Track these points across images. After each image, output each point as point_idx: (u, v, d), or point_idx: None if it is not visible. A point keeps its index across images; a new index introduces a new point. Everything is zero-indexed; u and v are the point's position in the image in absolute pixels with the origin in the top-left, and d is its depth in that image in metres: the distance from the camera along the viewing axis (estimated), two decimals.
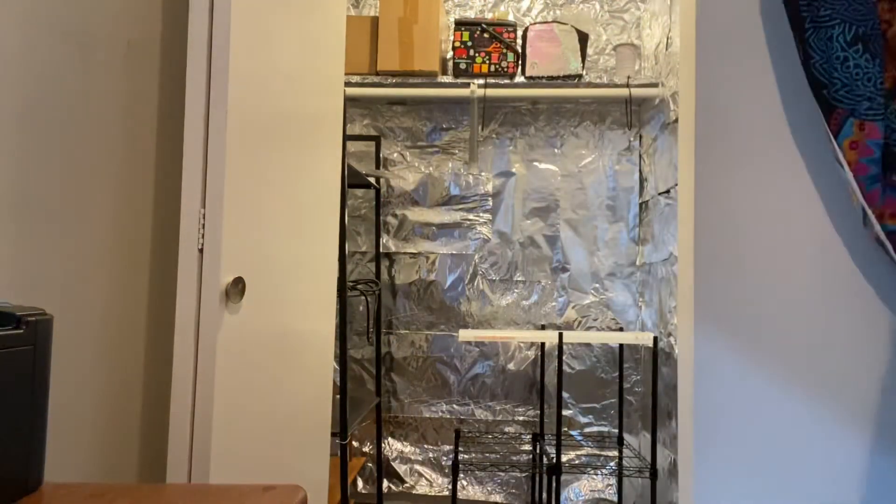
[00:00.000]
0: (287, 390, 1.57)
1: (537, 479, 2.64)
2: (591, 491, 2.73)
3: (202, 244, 1.24)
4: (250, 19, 1.33)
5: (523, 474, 2.75)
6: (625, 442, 2.64)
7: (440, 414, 2.80)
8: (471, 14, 2.89)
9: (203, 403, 1.21)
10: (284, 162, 1.52)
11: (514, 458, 2.72)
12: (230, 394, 1.28)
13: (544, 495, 2.58)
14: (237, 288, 1.26)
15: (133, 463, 1.31)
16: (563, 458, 2.72)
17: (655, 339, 2.35)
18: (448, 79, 2.62)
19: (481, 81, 2.59)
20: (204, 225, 1.23)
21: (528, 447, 2.74)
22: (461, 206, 2.83)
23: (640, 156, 2.77)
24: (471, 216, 2.83)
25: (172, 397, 1.22)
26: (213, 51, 1.24)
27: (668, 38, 2.40)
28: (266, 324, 1.44)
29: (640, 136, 2.78)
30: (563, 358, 2.75)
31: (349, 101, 2.80)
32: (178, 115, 1.40)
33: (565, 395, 2.75)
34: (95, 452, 1.21)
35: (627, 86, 2.57)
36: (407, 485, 2.79)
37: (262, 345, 1.42)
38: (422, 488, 2.78)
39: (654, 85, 2.53)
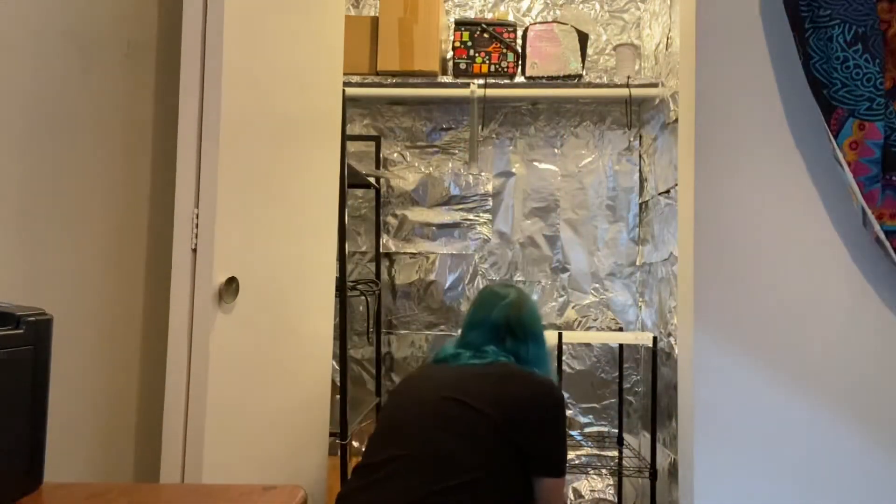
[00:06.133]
0: (284, 390, 1.57)
1: None
2: (591, 491, 2.73)
3: (196, 244, 1.23)
4: (245, 19, 1.32)
5: None
6: (625, 442, 2.64)
7: None
8: (471, 14, 2.89)
9: (196, 403, 1.21)
10: (282, 162, 1.52)
11: None
12: (225, 393, 1.28)
13: None
14: (231, 288, 1.26)
15: (129, 462, 1.31)
16: None
17: (655, 339, 2.35)
18: (448, 79, 2.62)
19: (481, 81, 2.59)
20: (197, 225, 1.23)
21: None
22: (461, 206, 2.83)
23: (640, 156, 2.77)
24: (471, 216, 2.83)
25: (166, 397, 1.21)
26: (206, 50, 1.23)
27: (668, 38, 2.40)
28: (261, 324, 1.43)
29: (640, 136, 2.78)
30: (563, 358, 2.75)
31: (349, 101, 2.80)
32: (175, 115, 1.40)
33: (565, 394, 2.75)
34: (95, 452, 1.21)
35: (627, 86, 2.56)
36: None
37: (257, 345, 1.42)
38: None
39: (654, 85, 2.53)
